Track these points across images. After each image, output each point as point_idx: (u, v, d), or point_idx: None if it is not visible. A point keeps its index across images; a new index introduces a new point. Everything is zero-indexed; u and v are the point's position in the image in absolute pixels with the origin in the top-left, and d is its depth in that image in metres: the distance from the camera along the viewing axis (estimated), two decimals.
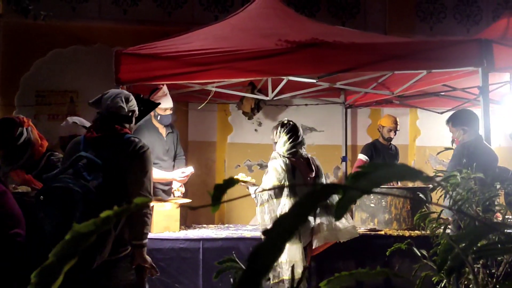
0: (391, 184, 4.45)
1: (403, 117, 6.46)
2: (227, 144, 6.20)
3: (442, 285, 2.05)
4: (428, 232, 2.31)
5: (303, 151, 3.73)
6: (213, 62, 3.74)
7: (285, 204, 3.50)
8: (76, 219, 2.28)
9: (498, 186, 2.10)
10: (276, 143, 3.77)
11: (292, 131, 3.71)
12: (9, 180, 2.86)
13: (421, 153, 6.57)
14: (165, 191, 4.47)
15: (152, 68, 3.80)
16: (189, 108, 5.95)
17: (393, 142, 5.57)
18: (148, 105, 3.14)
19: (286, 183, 3.55)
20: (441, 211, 2.12)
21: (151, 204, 3.35)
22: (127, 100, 2.73)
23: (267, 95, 4.94)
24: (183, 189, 4.36)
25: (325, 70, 4.01)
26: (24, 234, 2.45)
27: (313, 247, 3.67)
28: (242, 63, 3.78)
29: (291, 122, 3.79)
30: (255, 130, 6.26)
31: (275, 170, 3.57)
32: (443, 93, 5.23)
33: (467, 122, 3.76)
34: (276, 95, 4.88)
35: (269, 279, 3.45)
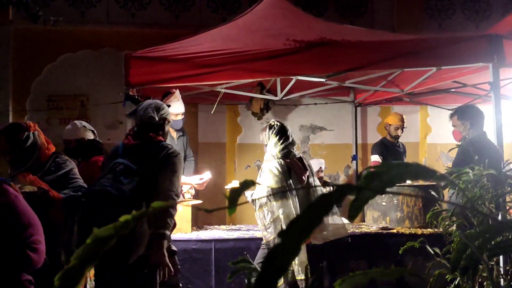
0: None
1: (413, 115, 6.43)
2: (237, 145, 6.21)
3: (456, 283, 2.03)
4: (440, 229, 2.30)
5: (295, 151, 3.75)
6: (222, 64, 3.75)
7: (285, 205, 3.50)
8: (111, 219, 2.31)
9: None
10: (266, 145, 3.77)
11: (281, 132, 3.72)
12: (16, 182, 2.91)
13: (432, 151, 6.53)
14: None
15: (161, 70, 3.82)
16: (199, 110, 5.98)
17: (404, 140, 5.55)
18: None
19: (284, 184, 3.55)
20: (454, 208, 2.11)
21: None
22: (158, 110, 2.95)
23: (276, 95, 4.95)
24: (192, 191, 4.38)
25: (334, 69, 3.99)
26: (43, 239, 2.46)
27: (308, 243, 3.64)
28: (251, 64, 3.79)
29: (278, 123, 3.78)
30: None
31: (271, 172, 3.58)
32: (453, 90, 5.19)
33: (472, 117, 3.74)
34: (285, 95, 4.88)
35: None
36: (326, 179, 5.81)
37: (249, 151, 6.17)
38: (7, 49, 5.85)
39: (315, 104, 6.16)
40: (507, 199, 2.21)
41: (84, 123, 3.86)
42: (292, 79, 4.44)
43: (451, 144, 3.77)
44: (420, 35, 4.87)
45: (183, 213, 4.08)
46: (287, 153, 3.67)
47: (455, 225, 2.13)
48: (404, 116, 5.39)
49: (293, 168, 3.64)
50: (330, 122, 6.35)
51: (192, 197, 4.37)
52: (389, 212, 4.41)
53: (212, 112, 5.15)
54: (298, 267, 3.49)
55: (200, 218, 5.16)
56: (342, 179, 6.47)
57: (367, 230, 4.32)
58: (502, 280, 2.03)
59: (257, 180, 3.72)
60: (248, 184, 0.57)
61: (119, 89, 4.09)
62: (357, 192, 0.51)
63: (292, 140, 3.74)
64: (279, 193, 3.57)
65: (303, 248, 3.49)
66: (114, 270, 2.60)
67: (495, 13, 6.62)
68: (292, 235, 0.42)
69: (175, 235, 3.97)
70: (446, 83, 4.90)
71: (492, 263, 1.96)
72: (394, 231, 4.23)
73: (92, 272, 2.89)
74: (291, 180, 3.60)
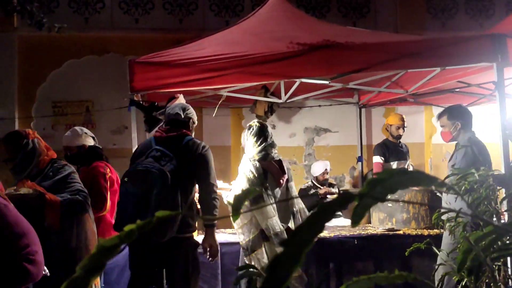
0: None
1: (418, 115, 6.41)
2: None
3: (463, 283, 2.03)
4: (442, 230, 2.29)
5: (274, 153, 3.57)
6: (226, 68, 3.76)
7: (260, 208, 3.37)
8: (153, 196, 2.81)
9: None
10: (244, 147, 3.65)
11: (259, 133, 3.54)
12: (16, 190, 2.91)
13: (438, 151, 6.50)
14: None
15: (166, 75, 3.84)
16: (203, 113, 5.99)
17: (409, 141, 5.54)
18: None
19: (259, 188, 3.40)
20: (460, 209, 2.11)
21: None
22: (184, 110, 3.31)
23: (280, 98, 4.95)
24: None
25: (337, 71, 4.00)
26: (40, 249, 2.32)
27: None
28: (255, 67, 3.79)
29: (258, 124, 3.61)
30: None
31: (245, 176, 3.46)
32: (457, 90, 5.18)
33: (463, 117, 3.71)
34: (289, 98, 4.88)
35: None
36: (331, 181, 5.80)
37: None
38: (12, 56, 5.89)
39: (319, 106, 6.16)
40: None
41: (84, 129, 3.87)
42: (296, 81, 4.45)
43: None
44: (424, 35, 4.87)
45: None
46: (265, 155, 3.51)
47: (461, 226, 2.13)
48: (404, 116, 5.39)
49: (269, 170, 3.50)
50: (334, 124, 6.35)
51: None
52: (395, 213, 4.40)
53: (214, 115, 5.16)
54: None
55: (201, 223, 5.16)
56: (347, 181, 6.46)
57: (373, 232, 4.32)
58: (510, 281, 2.03)
59: (232, 183, 3.69)
60: (252, 192, 0.57)
61: (124, 94, 4.12)
62: (359, 199, 0.51)
63: (272, 141, 3.57)
64: (254, 197, 3.38)
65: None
66: (149, 248, 2.89)
67: (499, 12, 6.60)
68: (296, 244, 0.43)
69: None
70: (451, 83, 4.89)
71: (499, 263, 1.96)
72: (401, 232, 4.22)
73: (97, 280, 2.91)
74: (267, 183, 3.46)
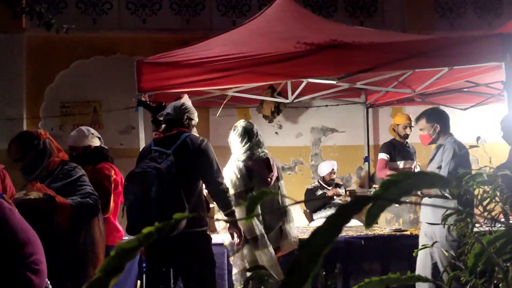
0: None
1: None
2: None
3: (471, 284, 2.02)
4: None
5: (261, 152, 3.53)
6: (233, 68, 3.77)
7: (243, 210, 3.31)
8: (153, 193, 2.89)
9: None
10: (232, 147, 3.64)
11: (244, 133, 3.53)
12: (26, 191, 2.90)
13: None
14: None
15: (173, 76, 3.85)
16: (210, 113, 6.00)
17: (417, 141, 5.50)
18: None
19: (243, 189, 3.39)
20: (467, 210, 2.10)
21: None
22: (175, 108, 3.33)
23: (287, 98, 4.95)
24: (205, 191, 4.38)
25: (345, 71, 3.99)
26: (44, 259, 2.23)
27: (280, 253, 3.54)
28: (262, 67, 3.80)
29: (242, 125, 3.59)
30: (276, 133, 6.27)
31: (228, 178, 3.43)
32: (466, 89, 5.15)
33: (441, 119, 3.67)
34: (296, 97, 4.88)
35: None
36: (338, 181, 5.79)
37: None
38: (21, 57, 5.94)
39: (326, 106, 6.15)
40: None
41: (91, 129, 3.84)
42: (303, 81, 4.45)
43: (465, 144, 3.73)
44: (431, 35, 4.85)
45: None
46: (250, 155, 3.48)
47: (469, 227, 2.12)
48: (411, 116, 5.37)
49: (255, 169, 3.47)
50: (341, 124, 6.34)
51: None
52: (402, 213, 4.39)
53: (219, 115, 5.17)
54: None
55: (212, 223, 5.16)
56: (354, 181, 6.45)
57: (380, 232, 4.31)
58: None
59: None
60: (266, 193, 0.58)
61: (132, 94, 4.14)
62: (374, 200, 0.52)
63: (258, 140, 3.54)
64: (238, 198, 3.40)
65: (277, 264, 3.41)
66: (162, 244, 2.87)
67: (507, 11, 6.56)
68: (314, 246, 0.43)
69: None
70: (459, 83, 4.87)
71: (508, 264, 1.95)
72: (408, 232, 4.21)
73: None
74: (251, 183, 3.44)
